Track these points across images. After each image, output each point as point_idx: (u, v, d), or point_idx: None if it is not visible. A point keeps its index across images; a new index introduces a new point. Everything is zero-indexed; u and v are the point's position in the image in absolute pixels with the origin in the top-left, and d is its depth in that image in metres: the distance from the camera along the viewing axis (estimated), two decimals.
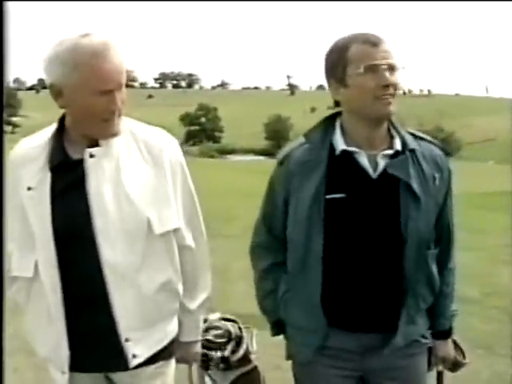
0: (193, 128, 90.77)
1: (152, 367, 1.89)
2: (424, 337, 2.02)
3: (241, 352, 2.41)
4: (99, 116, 1.75)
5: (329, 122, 1.98)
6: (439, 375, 2.24)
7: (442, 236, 2.02)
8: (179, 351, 1.99)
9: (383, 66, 1.81)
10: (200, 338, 2.08)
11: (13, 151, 1.88)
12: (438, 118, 54.86)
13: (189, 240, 1.94)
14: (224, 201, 11.71)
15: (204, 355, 2.26)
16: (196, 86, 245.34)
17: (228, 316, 2.46)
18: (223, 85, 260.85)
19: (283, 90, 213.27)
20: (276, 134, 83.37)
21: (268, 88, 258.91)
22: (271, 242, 2.04)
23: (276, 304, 2.03)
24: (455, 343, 2.19)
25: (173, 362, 1.97)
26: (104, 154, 1.79)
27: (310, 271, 1.90)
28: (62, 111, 1.86)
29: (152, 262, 1.83)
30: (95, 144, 1.80)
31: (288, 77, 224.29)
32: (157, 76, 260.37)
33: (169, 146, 1.90)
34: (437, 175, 1.92)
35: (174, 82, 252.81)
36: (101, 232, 1.76)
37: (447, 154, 2.01)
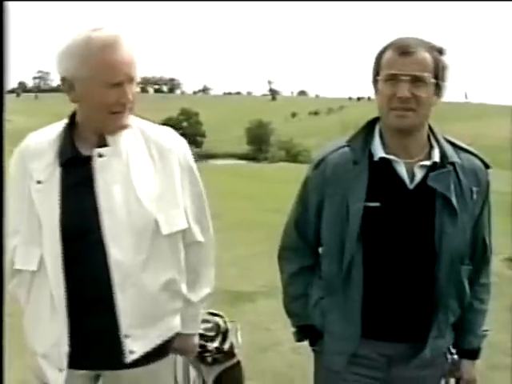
0: None
1: (149, 366, 1.88)
2: (449, 350, 1.99)
3: (226, 345, 2.43)
4: (110, 108, 1.76)
5: (369, 128, 1.93)
6: None
7: (476, 251, 1.95)
8: (178, 342, 1.98)
9: (404, 77, 1.75)
10: (198, 331, 2.10)
11: (21, 145, 1.88)
12: None
13: (198, 236, 1.97)
14: (209, 200, 12.04)
15: (201, 346, 2.28)
16: (178, 91, 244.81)
17: (214, 311, 2.48)
18: (205, 90, 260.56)
19: (265, 95, 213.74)
20: (257, 138, 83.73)
21: (249, 93, 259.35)
22: (301, 246, 2.01)
23: (305, 308, 2.00)
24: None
25: (170, 359, 1.98)
26: (113, 154, 1.81)
27: (351, 282, 1.87)
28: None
29: (157, 262, 1.83)
30: (104, 141, 1.82)
31: (269, 82, 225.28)
32: (138, 80, 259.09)
33: (178, 146, 1.92)
34: (475, 189, 1.86)
35: (156, 86, 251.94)
36: (108, 230, 1.77)
37: (487, 166, 1.93)
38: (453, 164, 1.84)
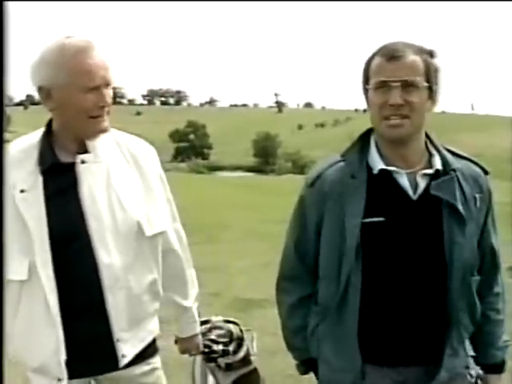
0: (182, 144, 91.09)
1: (139, 366, 1.95)
2: (467, 367, 1.84)
3: (242, 353, 2.51)
4: (88, 113, 1.78)
5: (363, 140, 1.83)
6: None
7: (485, 260, 1.86)
8: (182, 346, 2.12)
9: (394, 84, 1.64)
10: (199, 330, 2.18)
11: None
12: None
13: (174, 244, 2.04)
14: (218, 212, 12.49)
15: (207, 346, 2.37)
16: (184, 103, 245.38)
17: (230, 319, 2.56)
18: (211, 102, 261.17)
19: (271, 107, 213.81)
20: (264, 150, 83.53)
21: (256, 105, 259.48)
22: (301, 273, 1.90)
23: (306, 341, 1.90)
24: None
25: (158, 357, 2.05)
26: (95, 160, 1.84)
27: (346, 305, 1.76)
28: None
29: (141, 264, 1.89)
30: (83, 148, 1.84)
31: (276, 94, 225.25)
32: (145, 93, 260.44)
33: (150, 154, 2.00)
34: (477, 196, 1.78)
35: (163, 98, 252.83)
36: (95, 234, 1.80)
37: (486, 172, 1.85)
38: (455, 171, 1.76)
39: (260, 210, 14.93)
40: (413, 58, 1.67)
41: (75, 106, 1.77)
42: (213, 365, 2.45)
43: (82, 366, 1.86)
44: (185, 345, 2.14)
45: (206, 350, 2.37)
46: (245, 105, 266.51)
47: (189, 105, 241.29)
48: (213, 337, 2.38)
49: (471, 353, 1.86)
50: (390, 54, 1.67)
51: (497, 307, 1.90)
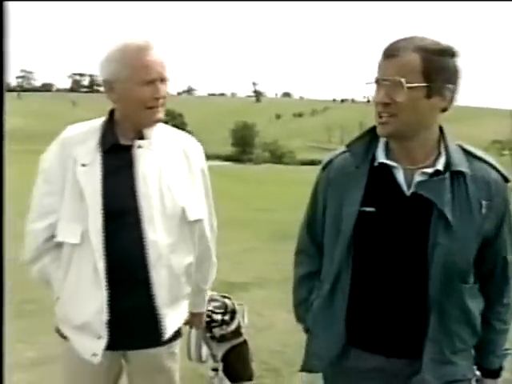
0: None
1: (166, 347, 2.12)
2: (467, 378, 1.84)
3: (234, 325, 2.72)
4: (145, 104, 1.99)
5: (374, 132, 1.81)
6: None
7: (496, 269, 1.83)
8: (189, 319, 2.29)
9: (383, 82, 1.67)
10: (205, 309, 2.44)
11: (61, 136, 2.08)
12: None
13: (208, 231, 2.21)
14: None
15: (208, 316, 2.60)
16: None
17: (224, 294, 2.77)
18: (189, 91, 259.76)
19: (249, 96, 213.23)
20: (242, 140, 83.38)
21: (234, 95, 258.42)
22: (311, 249, 2.00)
23: (306, 313, 1.98)
24: None
25: (179, 341, 2.22)
26: (149, 146, 2.05)
27: (338, 288, 1.83)
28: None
29: (182, 246, 2.08)
30: (141, 136, 2.05)
31: (254, 84, 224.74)
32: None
33: (198, 149, 2.21)
34: (484, 202, 1.73)
35: None
36: (145, 212, 1.99)
37: (506, 179, 1.78)
38: (458, 173, 1.72)
39: (241, 198, 15.15)
40: (409, 57, 1.65)
41: (134, 97, 1.98)
42: (208, 335, 2.67)
43: (122, 339, 2.03)
44: (191, 318, 2.32)
45: (208, 320, 2.59)
46: (223, 94, 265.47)
47: (166, 93, 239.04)
48: (211, 308, 2.60)
49: (470, 366, 1.86)
50: (387, 52, 1.68)
51: (504, 318, 1.88)
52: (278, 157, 62.79)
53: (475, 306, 1.80)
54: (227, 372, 2.78)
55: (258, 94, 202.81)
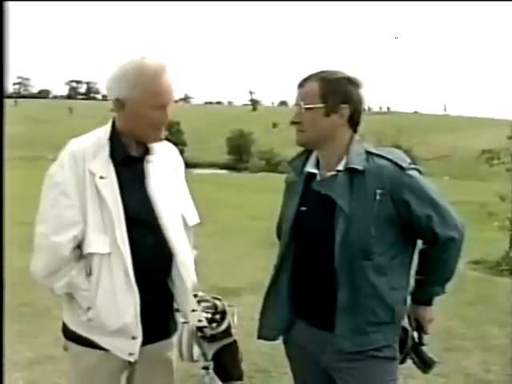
0: None
1: (169, 340, 2.44)
2: (378, 350, 2.16)
3: (224, 325, 2.81)
4: (153, 126, 2.12)
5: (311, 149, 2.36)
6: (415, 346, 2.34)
7: (427, 241, 2.21)
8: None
9: (296, 106, 2.23)
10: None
11: (71, 148, 2.15)
12: (397, 135, 55.89)
13: (193, 237, 2.46)
14: (195, 208, 13.08)
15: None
16: None
17: (214, 295, 2.87)
18: (186, 99, 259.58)
19: (245, 105, 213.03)
20: (238, 148, 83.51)
21: (230, 103, 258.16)
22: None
23: None
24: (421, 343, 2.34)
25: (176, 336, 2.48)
26: (156, 161, 2.24)
27: (284, 267, 2.36)
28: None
29: (188, 247, 2.35)
30: (144, 147, 2.20)
31: (250, 92, 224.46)
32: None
33: (178, 156, 2.38)
34: (378, 191, 2.08)
35: None
36: (162, 218, 2.20)
37: (401, 168, 2.11)
38: (352, 170, 2.12)
39: (235, 206, 15.26)
40: (311, 85, 2.15)
41: (143, 119, 2.10)
42: (200, 335, 2.75)
43: (146, 335, 2.24)
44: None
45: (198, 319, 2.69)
46: (219, 102, 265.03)
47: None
48: (202, 308, 2.69)
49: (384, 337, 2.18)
50: (298, 83, 2.21)
51: (446, 247, 2.17)
52: (273, 165, 62.74)
53: (383, 281, 2.12)
54: (218, 371, 2.86)
55: (254, 103, 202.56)
